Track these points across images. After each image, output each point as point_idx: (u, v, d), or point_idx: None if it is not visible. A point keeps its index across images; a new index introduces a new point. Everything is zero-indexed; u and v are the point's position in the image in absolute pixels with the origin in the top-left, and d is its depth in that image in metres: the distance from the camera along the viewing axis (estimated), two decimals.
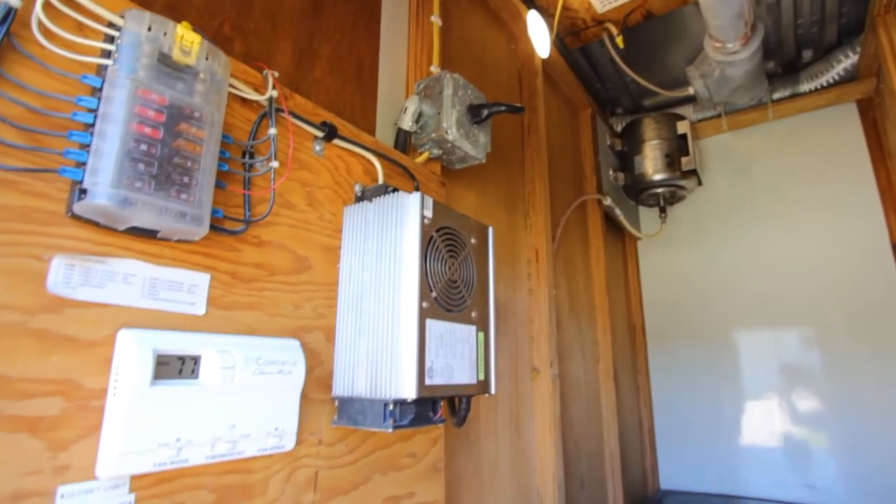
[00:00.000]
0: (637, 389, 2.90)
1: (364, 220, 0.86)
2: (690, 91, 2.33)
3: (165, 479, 0.59)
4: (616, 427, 2.28)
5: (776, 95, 2.62)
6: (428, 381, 0.76)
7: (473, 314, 0.89)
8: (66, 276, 0.53)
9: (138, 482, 0.56)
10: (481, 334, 0.91)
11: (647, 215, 3.04)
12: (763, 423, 2.56)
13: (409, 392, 0.72)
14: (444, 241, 0.85)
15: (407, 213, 0.81)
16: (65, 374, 0.52)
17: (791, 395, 2.51)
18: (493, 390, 0.91)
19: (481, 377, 0.89)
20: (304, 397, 0.76)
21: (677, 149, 2.58)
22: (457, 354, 0.83)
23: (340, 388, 0.80)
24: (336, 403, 0.81)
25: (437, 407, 0.82)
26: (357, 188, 0.93)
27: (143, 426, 0.54)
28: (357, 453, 0.85)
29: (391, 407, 0.73)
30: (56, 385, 0.52)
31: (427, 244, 0.81)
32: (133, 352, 0.55)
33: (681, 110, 2.76)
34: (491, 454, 1.40)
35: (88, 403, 0.54)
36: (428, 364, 0.76)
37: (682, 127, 2.60)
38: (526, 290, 1.74)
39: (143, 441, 0.54)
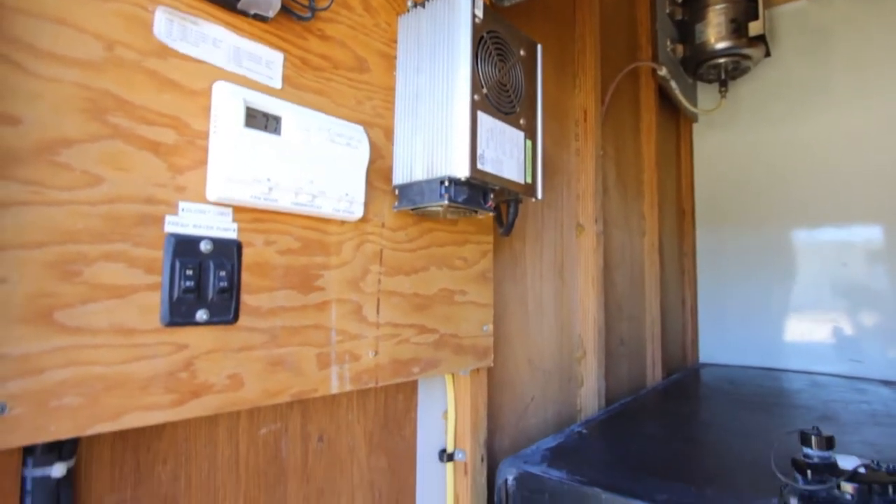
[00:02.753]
0: (682, 272, 2.93)
1: (417, 26, 0.91)
2: None
3: (260, 218, 0.70)
4: (658, 298, 2.35)
5: None
6: (480, 166, 0.83)
7: (522, 121, 0.95)
8: (167, 27, 0.62)
9: (239, 215, 0.68)
10: (529, 142, 0.96)
11: (706, 93, 2.90)
12: (811, 310, 2.57)
13: (463, 170, 0.80)
14: (493, 43, 0.88)
15: (459, 11, 0.84)
16: (174, 112, 0.62)
17: (849, 292, 2.47)
18: (539, 195, 0.98)
19: (528, 180, 0.96)
20: (369, 184, 0.85)
21: (745, 12, 2.40)
22: (506, 152, 0.90)
23: (400, 177, 0.88)
24: (396, 192, 0.90)
25: (488, 197, 0.90)
26: None
27: (240, 160, 0.64)
28: (415, 244, 0.95)
29: (446, 184, 0.82)
30: (168, 119, 0.62)
31: (477, 43, 0.85)
32: (228, 98, 0.64)
33: None
34: (536, 291, 1.51)
35: (195, 141, 0.64)
36: (479, 150, 0.83)
37: None
38: (573, 150, 1.76)
39: (242, 172, 0.64)
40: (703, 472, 1.14)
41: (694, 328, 2.94)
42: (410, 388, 1.06)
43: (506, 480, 1.11)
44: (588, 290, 1.73)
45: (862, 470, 0.89)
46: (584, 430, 1.42)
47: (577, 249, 1.74)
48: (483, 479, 1.15)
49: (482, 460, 1.14)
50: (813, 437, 0.95)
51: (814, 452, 0.95)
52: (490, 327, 1.12)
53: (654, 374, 2.29)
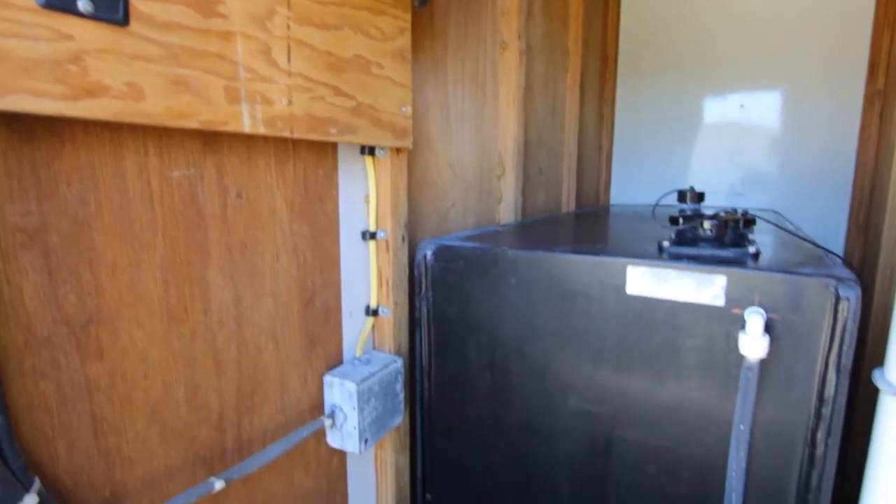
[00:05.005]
0: (601, 118, 3.03)
1: None
2: None
3: None
4: (576, 135, 2.44)
5: None
6: None
7: None
8: None
9: None
10: None
11: None
12: (712, 153, 2.77)
13: None
14: None
15: None
16: None
17: (749, 135, 2.66)
18: None
19: None
20: None
21: None
22: None
23: None
24: None
25: None
26: None
27: None
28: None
29: None
30: None
31: None
32: None
33: None
34: (457, 101, 1.51)
35: None
36: None
37: None
38: None
39: None
40: (603, 240, 1.28)
41: (608, 173, 3.12)
42: (331, 166, 1.07)
43: (424, 256, 1.20)
44: (509, 108, 1.76)
45: (722, 214, 1.04)
46: (501, 229, 1.53)
47: (499, 67, 1.73)
48: (405, 258, 1.23)
49: (403, 240, 1.21)
50: (688, 193, 1.08)
51: (687, 206, 1.09)
52: (409, 109, 1.13)
53: (568, 205, 2.45)
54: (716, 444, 0.95)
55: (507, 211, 1.81)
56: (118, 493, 0.77)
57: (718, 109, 2.74)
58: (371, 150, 1.12)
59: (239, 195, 0.89)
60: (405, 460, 1.33)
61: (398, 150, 1.16)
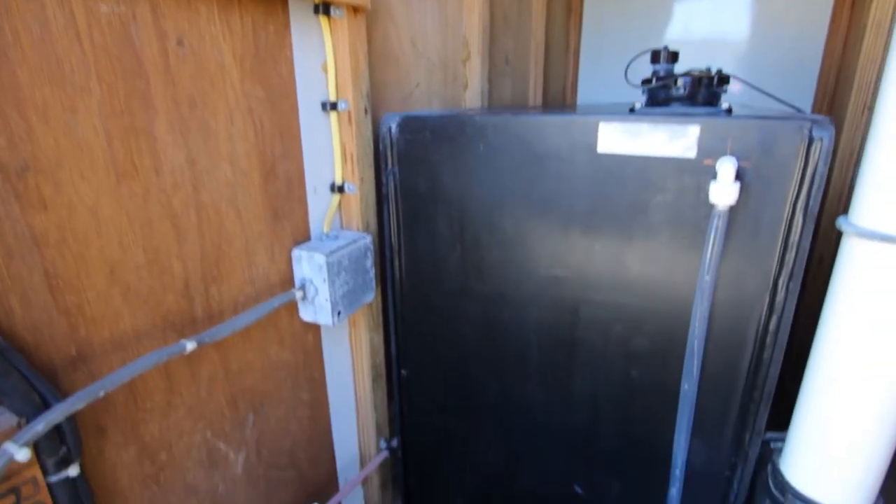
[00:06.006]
0: (569, 13, 2.89)
1: None
2: None
3: None
4: (544, 20, 2.33)
5: None
6: None
7: None
8: None
9: None
10: None
11: None
12: (686, 53, 2.70)
13: None
14: None
15: None
16: None
17: (718, 33, 2.58)
18: None
19: None
20: None
21: None
22: None
23: None
24: None
25: None
26: None
27: None
28: None
29: None
30: None
31: None
32: None
33: None
34: None
35: None
36: None
37: None
38: None
39: None
40: (573, 110, 1.25)
41: (575, 71, 3.03)
42: (281, 24, 0.98)
43: (389, 128, 1.15)
44: None
45: (695, 72, 1.01)
46: (467, 109, 1.47)
47: None
48: (368, 132, 1.17)
49: (366, 112, 1.15)
50: (661, 52, 1.05)
51: (661, 66, 1.06)
52: None
53: (535, 100, 2.39)
54: (680, 299, 0.99)
55: (473, 99, 1.74)
56: (85, 352, 0.75)
57: (688, 4, 2.65)
58: (326, 10, 1.03)
59: (180, 43, 0.81)
60: (379, 338, 1.35)
61: (355, 10, 1.07)
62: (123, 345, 0.79)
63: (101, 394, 0.70)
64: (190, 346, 0.82)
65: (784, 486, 0.96)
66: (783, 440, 1.01)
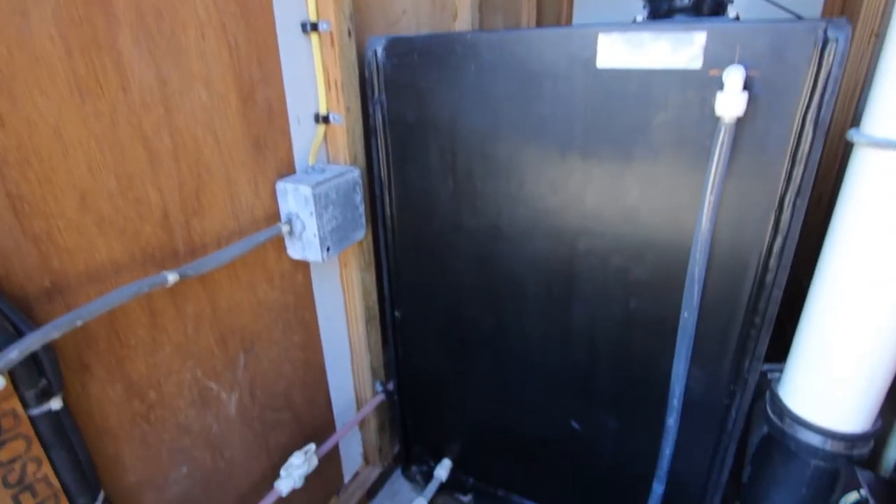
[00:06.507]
0: None
1: None
2: None
3: None
4: None
5: None
6: None
7: None
8: None
9: None
10: None
11: None
12: None
13: None
14: None
15: None
16: None
17: None
18: None
19: None
20: None
21: None
22: None
23: None
24: None
25: None
26: None
27: None
28: None
29: None
30: None
31: None
32: None
33: None
34: None
35: None
36: None
37: None
38: None
39: None
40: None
41: (569, 3, 2.91)
42: None
43: (375, 52, 1.08)
44: None
45: None
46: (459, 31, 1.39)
47: None
48: (353, 55, 1.10)
49: (349, 34, 1.07)
50: None
51: None
52: None
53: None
54: (681, 225, 0.95)
55: (463, 28, 1.65)
56: (60, 283, 0.70)
57: None
58: None
59: None
60: (371, 278, 1.32)
61: None
62: (101, 277, 0.75)
63: (79, 323, 0.66)
64: (172, 277, 0.78)
65: (782, 410, 0.95)
66: (780, 371, 1.00)
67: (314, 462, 1.16)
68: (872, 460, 1.01)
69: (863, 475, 0.94)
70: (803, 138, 0.81)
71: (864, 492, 0.92)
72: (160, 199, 0.81)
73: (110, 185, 0.74)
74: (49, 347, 0.66)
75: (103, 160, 0.73)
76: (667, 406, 1.08)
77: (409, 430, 1.55)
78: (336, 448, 1.41)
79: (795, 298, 0.97)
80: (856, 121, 0.81)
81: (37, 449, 0.66)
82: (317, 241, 1.02)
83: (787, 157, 0.83)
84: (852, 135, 0.79)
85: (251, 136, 0.95)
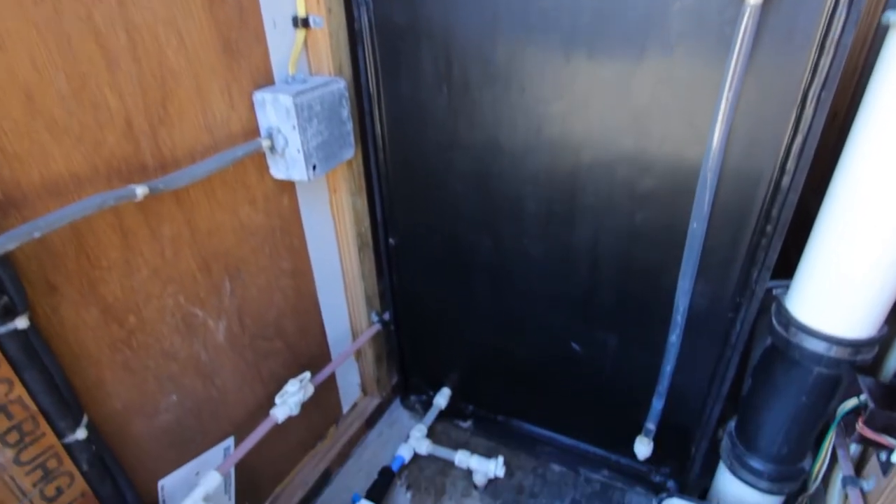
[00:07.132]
0: None
1: None
2: None
3: None
4: None
5: None
6: None
7: None
8: None
9: None
10: None
11: None
12: None
13: None
14: None
15: None
16: None
17: None
18: None
19: None
20: None
21: None
22: None
23: None
24: None
25: None
26: None
27: None
28: None
29: None
30: None
31: None
32: None
33: None
34: None
35: None
36: None
37: None
38: None
39: None
40: None
41: None
42: None
43: None
44: None
45: None
46: None
47: None
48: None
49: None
50: None
51: None
52: None
53: None
54: (695, 127, 0.89)
55: None
56: (13, 195, 0.63)
57: None
58: None
59: None
60: (363, 203, 1.25)
61: None
62: (60, 190, 0.68)
63: (37, 234, 0.59)
64: (140, 190, 0.71)
65: (788, 320, 0.92)
66: (786, 286, 0.96)
67: (310, 390, 1.13)
68: (873, 366, 1.00)
69: (864, 381, 0.93)
70: (835, 20, 0.73)
71: (863, 397, 0.91)
72: (121, 104, 0.73)
73: (60, 84, 0.66)
74: (6, 262, 0.60)
75: (48, 54, 0.64)
76: (670, 322, 1.05)
77: (406, 361, 1.53)
78: (333, 378, 1.40)
79: (802, 227, 0.92)
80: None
81: (6, 369, 0.61)
82: (301, 157, 0.95)
83: (816, 45, 0.75)
84: (890, 17, 0.71)
85: (220, 38, 0.85)
